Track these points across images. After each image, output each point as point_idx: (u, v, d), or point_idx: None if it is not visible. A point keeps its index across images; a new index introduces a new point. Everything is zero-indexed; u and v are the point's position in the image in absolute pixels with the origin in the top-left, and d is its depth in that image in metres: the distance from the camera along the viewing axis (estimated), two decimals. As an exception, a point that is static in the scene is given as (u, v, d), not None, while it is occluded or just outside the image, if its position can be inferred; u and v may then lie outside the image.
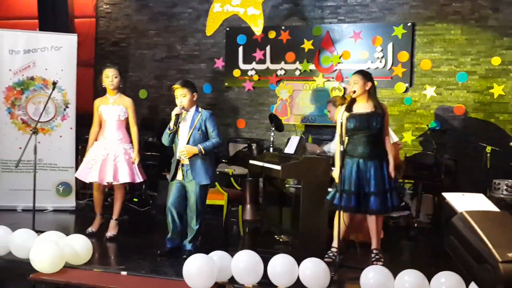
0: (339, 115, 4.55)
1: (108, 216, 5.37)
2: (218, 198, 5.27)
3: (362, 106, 4.59)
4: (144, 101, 8.13)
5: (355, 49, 7.22)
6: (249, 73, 7.67)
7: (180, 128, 4.60)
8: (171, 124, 4.55)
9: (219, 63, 7.83)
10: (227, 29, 7.70)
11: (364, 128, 4.52)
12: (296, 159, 4.94)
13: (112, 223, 5.25)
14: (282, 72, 7.54)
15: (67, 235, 4.37)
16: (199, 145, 4.50)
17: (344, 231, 4.61)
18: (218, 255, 3.92)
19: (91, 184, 5.50)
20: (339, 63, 7.29)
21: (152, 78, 8.20)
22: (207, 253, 3.90)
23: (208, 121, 4.60)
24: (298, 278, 3.84)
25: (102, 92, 5.50)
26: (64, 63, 6.82)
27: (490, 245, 2.65)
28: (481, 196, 3.19)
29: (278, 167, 4.83)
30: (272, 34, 7.54)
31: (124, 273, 4.04)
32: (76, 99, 6.86)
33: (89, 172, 5.17)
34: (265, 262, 3.87)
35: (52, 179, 6.73)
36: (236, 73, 7.71)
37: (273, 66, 7.58)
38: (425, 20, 7.01)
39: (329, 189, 4.76)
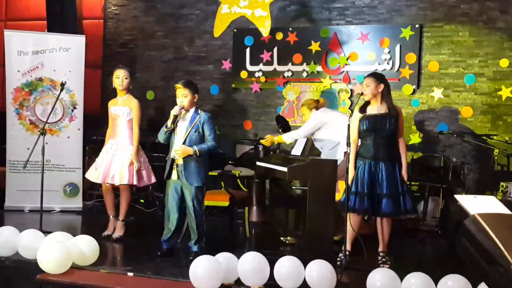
0: (353, 118, 4.56)
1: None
2: (222, 199, 5.27)
3: (376, 108, 4.58)
4: (151, 102, 8.13)
5: (362, 51, 7.20)
6: (256, 74, 7.67)
7: (178, 127, 4.60)
8: (169, 122, 4.55)
9: (227, 65, 7.84)
10: (235, 30, 7.70)
11: (376, 129, 4.51)
12: (303, 161, 4.92)
13: (119, 224, 5.26)
14: (289, 73, 7.53)
15: (74, 236, 4.38)
16: (194, 146, 4.48)
17: (353, 237, 4.59)
18: (224, 257, 3.92)
19: (98, 185, 5.52)
20: (346, 64, 7.27)
21: (159, 79, 8.20)
22: (214, 254, 3.90)
23: (206, 124, 4.58)
24: (304, 280, 3.83)
25: (110, 93, 5.53)
26: (72, 64, 6.85)
27: (502, 248, 2.66)
28: (493, 199, 3.19)
29: (285, 169, 4.82)
30: (279, 36, 7.53)
31: (130, 274, 4.06)
32: (84, 100, 6.87)
33: (94, 172, 5.21)
34: (271, 264, 3.86)
35: (59, 180, 6.75)
36: (243, 74, 7.71)
37: (280, 68, 7.57)
38: (433, 22, 6.98)
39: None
